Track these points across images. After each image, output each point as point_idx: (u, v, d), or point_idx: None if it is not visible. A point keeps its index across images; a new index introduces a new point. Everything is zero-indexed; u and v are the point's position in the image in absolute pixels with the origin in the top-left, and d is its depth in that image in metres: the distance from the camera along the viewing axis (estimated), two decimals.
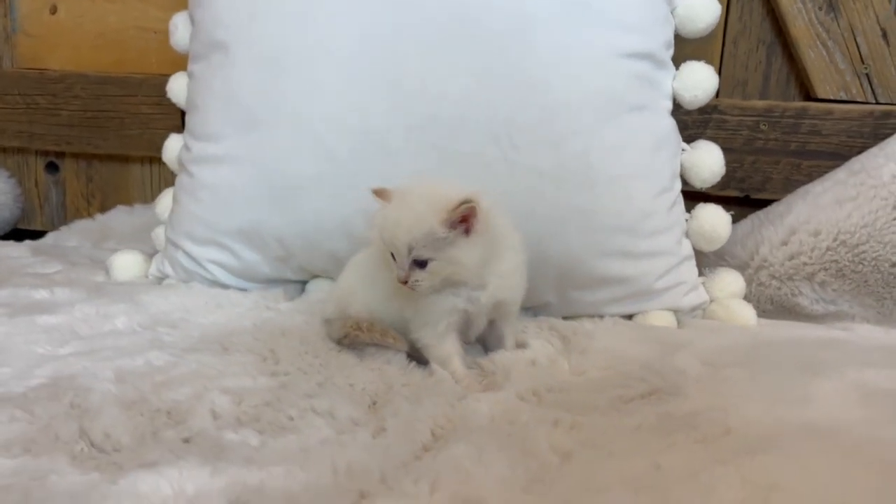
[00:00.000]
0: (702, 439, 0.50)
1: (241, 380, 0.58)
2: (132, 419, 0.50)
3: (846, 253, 0.79)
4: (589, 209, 0.73)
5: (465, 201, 0.56)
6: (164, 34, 0.94)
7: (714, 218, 0.80)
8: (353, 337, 0.64)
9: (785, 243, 0.82)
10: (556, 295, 0.77)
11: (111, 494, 0.41)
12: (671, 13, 0.81)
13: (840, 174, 0.83)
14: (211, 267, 0.82)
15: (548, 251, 0.73)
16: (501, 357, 0.65)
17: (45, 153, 1.25)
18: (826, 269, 0.80)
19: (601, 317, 0.76)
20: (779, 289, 0.82)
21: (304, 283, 0.84)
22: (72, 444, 0.48)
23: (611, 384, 0.60)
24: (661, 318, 0.77)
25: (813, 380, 0.60)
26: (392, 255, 0.59)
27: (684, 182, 0.83)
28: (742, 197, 0.96)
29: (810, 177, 0.91)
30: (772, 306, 0.83)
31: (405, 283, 0.58)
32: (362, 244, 0.70)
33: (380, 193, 0.60)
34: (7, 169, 1.28)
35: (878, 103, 0.91)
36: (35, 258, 0.94)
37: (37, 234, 1.24)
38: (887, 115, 0.89)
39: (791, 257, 0.81)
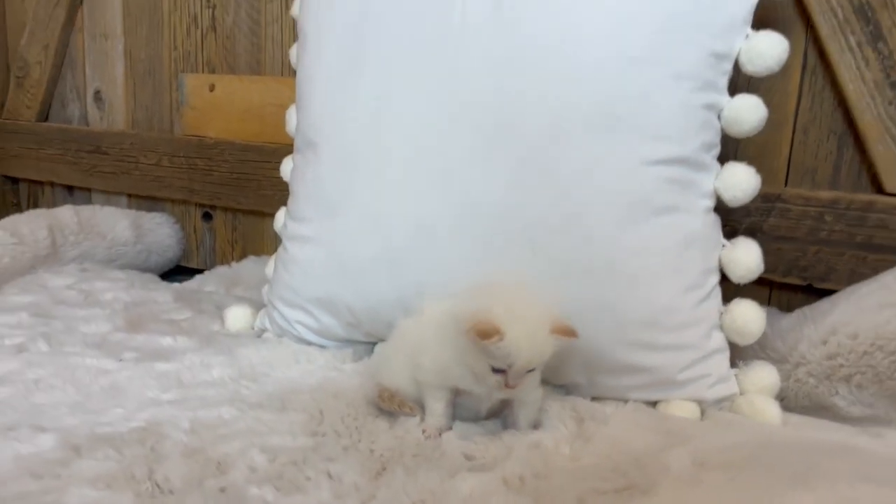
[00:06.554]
0: None
1: (284, 438, 0.71)
2: (189, 466, 0.65)
3: (883, 358, 0.79)
4: (612, 304, 0.80)
5: (572, 333, 0.67)
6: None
7: (747, 314, 0.83)
8: (377, 404, 0.76)
9: (824, 342, 0.83)
10: (584, 377, 0.84)
11: None
12: (717, 115, 0.85)
13: (887, 277, 0.83)
14: (297, 326, 0.97)
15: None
16: (510, 436, 0.73)
17: (202, 205, 1.50)
18: (863, 373, 0.80)
19: (625, 401, 0.82)
20: (816, 387, 0.83)
21: (373, 344, 0.97)
22: (141, 484, 0.63)
23: (594, 475, 0.67)
24: (684, 409, 0.81)
25: (794, 491, 0.63)
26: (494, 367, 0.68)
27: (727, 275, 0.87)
28: (805, 286, 0.97)
29: (876, 270, 0.90)
30: (809, 403, 0.84)
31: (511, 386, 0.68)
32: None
33: (487, 332, 0.65)
34: (173, 216, 1.54)
35: None
36: (175, 304, 1.15)
37: (192, 271, 1.49)
38: None
39: (829, 357, 0.82)
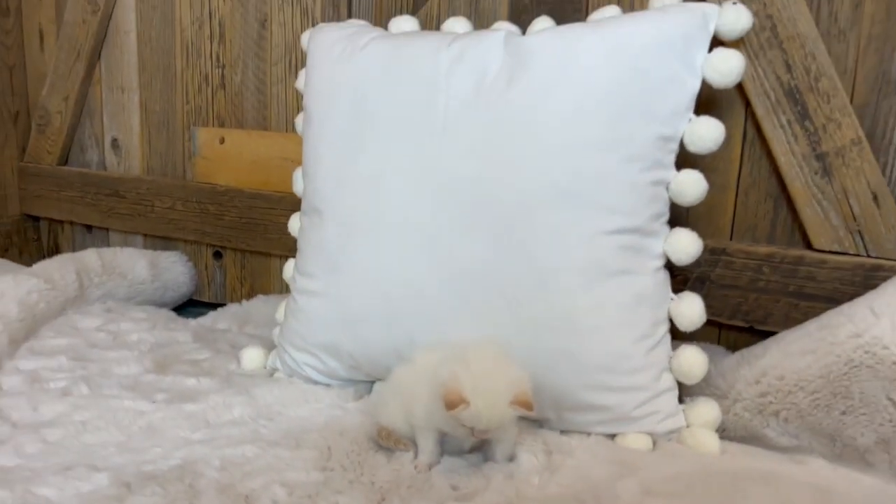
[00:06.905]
0: None
1: (298, 473, 0.85)
2: (222, 501, 0.79)
3: (804, 398, 0.93)
4: (575, 352, 0.94)
5: (530, 406, 0.78)
6: (299, 163, 1.19)
7: (692, 359, 0.97)
8: (376, 441, 0.90)
9: (757, 382, 0.97)
10: (554, 413, 0.98)
11: None
12: (665, 188, 0.99)
13: (811, 326, 0.97)
14: (305, 368, 1.11)
15: (543, 382, 0.94)
16: (489, 468, 0.87)
17: (213, 245, 1.63)
18: (788, 410, 0.94)
19: (588, 434, 0.96)
20: (750, 420, 0.97)
21: (372, 382, 1.11)
22: None
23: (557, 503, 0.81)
24: (638, 441, 0.95)
25: None
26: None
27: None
28: (748, 327, 1.11)
29: (807, 315, 1.04)
30: (746, 434, 0.98)
31: (477, 437, 0.82)
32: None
33: (454, 402, 0.77)
34: (186, 254, 1.67)
35: (868, 256, 1.03)
36: (194, 343, 1.29)
37: (204, 304, 1.63)
38: (877, 267, 1.02)
39: (761, 395, 0.96)
